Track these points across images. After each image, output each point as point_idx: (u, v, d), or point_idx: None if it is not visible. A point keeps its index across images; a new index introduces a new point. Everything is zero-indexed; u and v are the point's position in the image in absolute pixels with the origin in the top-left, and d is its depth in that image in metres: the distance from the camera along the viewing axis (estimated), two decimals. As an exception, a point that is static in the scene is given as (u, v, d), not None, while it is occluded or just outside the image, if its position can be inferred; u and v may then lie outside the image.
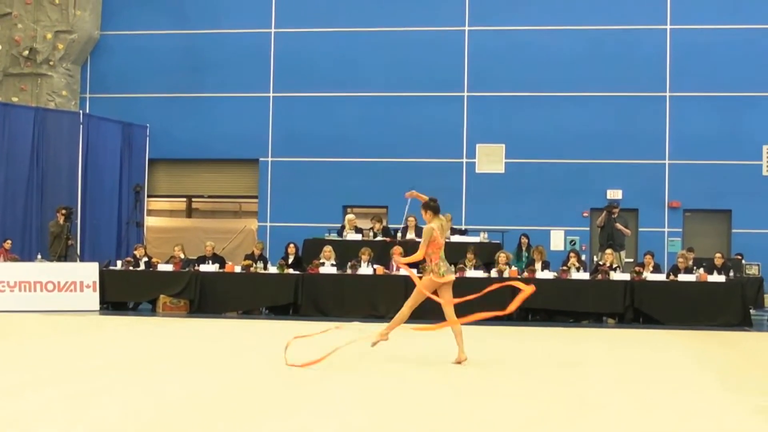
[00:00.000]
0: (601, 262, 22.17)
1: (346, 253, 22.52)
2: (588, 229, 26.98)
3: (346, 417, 8.36)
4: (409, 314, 12.82)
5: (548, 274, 21.63)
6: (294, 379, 10.70)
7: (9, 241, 23.99)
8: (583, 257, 23.86)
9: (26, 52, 27.93)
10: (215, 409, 8.64)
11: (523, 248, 23.83)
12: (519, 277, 21.28)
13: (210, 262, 22.98)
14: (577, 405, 9.32)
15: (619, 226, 23.46)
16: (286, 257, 23.18)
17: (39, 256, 23.54)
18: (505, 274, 21.42)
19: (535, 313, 21.53)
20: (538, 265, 22.05)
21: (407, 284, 21.24)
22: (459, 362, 12.46)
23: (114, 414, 8.25)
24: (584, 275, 21.65)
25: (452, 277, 12.88)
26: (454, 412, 8.75)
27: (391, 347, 13.17)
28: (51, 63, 28.19)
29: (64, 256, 23.60)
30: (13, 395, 9.20)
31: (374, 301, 21.56)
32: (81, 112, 27.53)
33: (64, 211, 23.74)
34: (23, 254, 24.38)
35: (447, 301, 12.76)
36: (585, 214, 27.05)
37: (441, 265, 12.66)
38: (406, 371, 11.63)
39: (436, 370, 11.87)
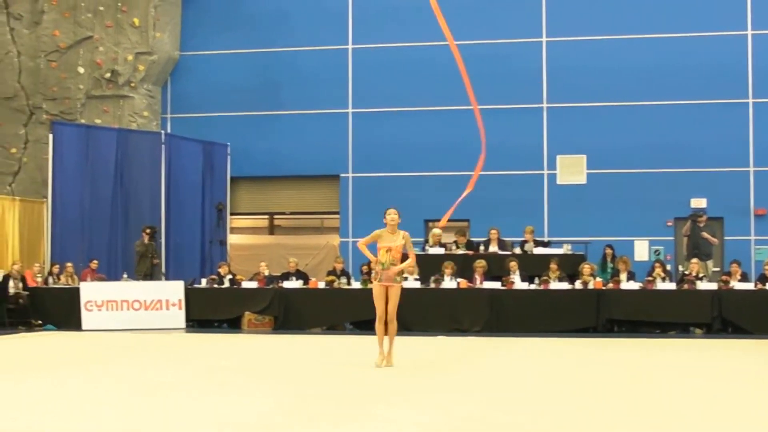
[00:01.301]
0: (686, 272, 21.94)
1: (429, 267, 22.48)
2: (672, 238, 26.65)
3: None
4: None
5: (633, 285, 21.45)
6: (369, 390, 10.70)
7: (95, 261, 24.32)
8: (668, 267, 23.59)
9: (108, 75, 28.29)
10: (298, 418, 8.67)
11: (608, 259, 23.63)
12: (604, 288, 21.18)
13: (294, 278, 23.09)
14: (651, 415, 9.19)
15: (705, 235, 23.18)
16: (369, 272, 23.19)
17: (125, 276, 23.81)
18: (590, 286, 21.30)
19: (620, 325, 21.37)
20: (623, 276, 21.87)
21: (491, 298, 21.29)
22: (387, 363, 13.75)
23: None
24: (670, 285, 21.44)
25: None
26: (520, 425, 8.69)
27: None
28: (132, 84, 28.53)
29: (150, 274, 23.87)
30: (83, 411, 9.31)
31: (457, 315, 21.52)
32: (162, 132, 27.79)
33: (148, 231, 24.03)
34: (109, 274, 24.68)
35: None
36: (669, 224, 26.72)
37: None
38: (469, 380, 11.57)
39: (501, 381, 11.81)
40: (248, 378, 12.30)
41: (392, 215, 13.98)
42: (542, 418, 9.01)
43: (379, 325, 13.92)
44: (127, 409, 9.57)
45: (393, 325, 13.95)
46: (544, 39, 27.76)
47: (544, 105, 27.61)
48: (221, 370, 13.36)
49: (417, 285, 21.94)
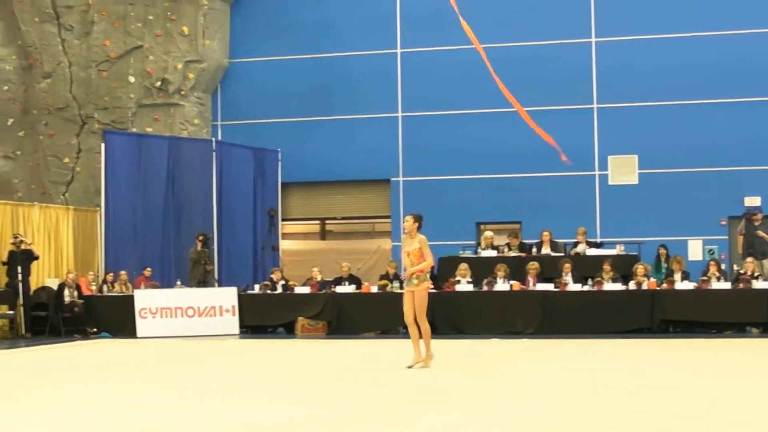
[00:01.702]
0: (742, 271, 21.74)
1: (481, 270, 22.44)
2: (726, 237, 26.37)
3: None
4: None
5: (688, 285, 21.30)
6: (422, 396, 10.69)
7: (149, 269, 24.49)
8: (723, 266, 23.37)
9: (158, 83, 28.43)
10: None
11: (662, 259, 23.44)
12: (658, 288, 21.04)
13: (346, 283, 23.12)
14: (700, 415, 9.09)
15: (761, 233, 22.93)
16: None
17: (178, 283, 23.94)
18: (644, 286, 21.19)
19: (675, 325, 21.23)
20: (677, 276, 21.71)
21: (544, 300, 21.22)
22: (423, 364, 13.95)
23: None
24: (725, 285, 21.25)
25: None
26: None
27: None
28: (182, 93, 28.67)
29: (203, 281, 23.98)
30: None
31: (510, 317, 21.46)
32: (213, 139, 27.94)
33: (201, 238, 24.14)
34: (163, 281, 24.79)
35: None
36: (723, 223, 26.45)
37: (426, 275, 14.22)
38: (516, 380, 11.51)
39: (546, 381, 11.75)
40: (285, 382, 12.39)
41: (405, 222, 14.22)
42: (556, 420, 8.93)
43: (410, 328, 14.00)
44: (170, 412, 9.67)
45: (423, 327, 14.00)
46: (593, 39, 27.59)
47: (595, 105, 27.43)
48: (261, 374, 13.47)
49: (470, 288, 21.92)
